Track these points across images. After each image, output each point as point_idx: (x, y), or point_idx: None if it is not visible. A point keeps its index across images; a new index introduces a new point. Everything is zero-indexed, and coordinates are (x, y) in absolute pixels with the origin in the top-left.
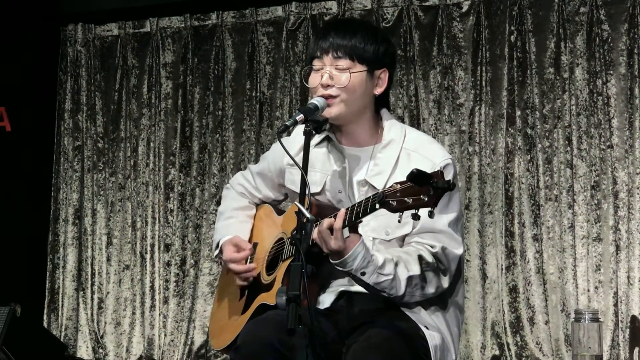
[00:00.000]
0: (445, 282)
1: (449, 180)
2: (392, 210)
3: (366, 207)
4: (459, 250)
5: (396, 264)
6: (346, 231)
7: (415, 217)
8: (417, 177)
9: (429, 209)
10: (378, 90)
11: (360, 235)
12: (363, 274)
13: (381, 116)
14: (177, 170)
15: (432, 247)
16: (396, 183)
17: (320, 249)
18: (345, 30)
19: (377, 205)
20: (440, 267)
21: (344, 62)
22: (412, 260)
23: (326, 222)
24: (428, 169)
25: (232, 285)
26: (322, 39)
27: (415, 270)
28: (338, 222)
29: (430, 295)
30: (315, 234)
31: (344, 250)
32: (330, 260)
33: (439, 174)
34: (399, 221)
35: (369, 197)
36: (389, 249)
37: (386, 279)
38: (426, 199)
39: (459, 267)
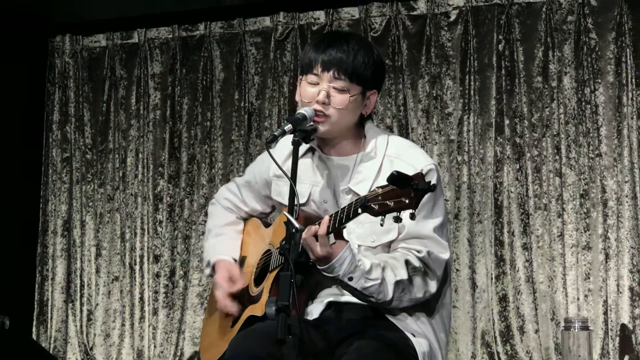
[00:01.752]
0: (433, 286)
1: (430, 182)
2: (374, 214)
3: (349, 213)
4: (445, 255)
5: (383, 269)
6: (332, 237)
7: (398, 220)
8: (397, 179)
9: (411, 210)
10: (366, 111)
11: (347, 241)
12: (350, 279)
13: (364, 125)
14: (165, 182)
15: (418, 252)
16: (378, 187)
17: (306, 259)
18: (347, 47)
19: (360, 210)
20: (427, 272)
21: (343, 83)
22: (399, 265)
23: (311, 229)
24: (410, 174)
25: None
26: (322, 52)
27: (403, 274)
28: (322, 229)
29: (418, 300)
30: (302, 242)
31: (331, 256)
32: (318, 267)
33: (420, 175)
34: (382, 224)
35: (351, 202)
36: (375, 255)
37: (374, 284)
38: (407, 201)
39: (446, 272)
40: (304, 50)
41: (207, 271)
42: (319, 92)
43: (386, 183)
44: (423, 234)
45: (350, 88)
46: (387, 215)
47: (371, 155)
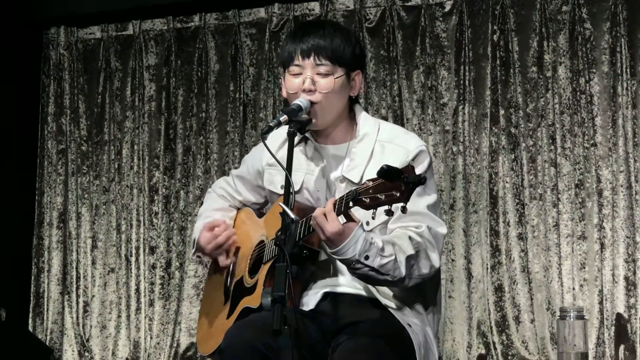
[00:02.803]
0: (436, 261)
1: (420, 174)
2: (366, 207)
3: (340, 206)
4: (443, 230)
5: (393, 245)
6: (342, 219)
7: (389, 213)
8: (387, 173)
9: (402, 204)
10: (353, 92)
11: (359, 220)
12: (367, 257)
13: (354, 112)
14: (161, 173)
15: (417, 227)
16: (368, 180)
17: (300, 250)
18: (324, 32)
19: (351, 203)
20: (429, 247)
21: (326, 67)
22: (404, 242)
23: (319, 210)
24: (402, 157)
25: (216, 290)
26: (300, 42)
27: (410, 250)
28: (328, 206)
29: (425, 276)
30: (312, 222)
31: (344, 235)
32: (329, 252)
33: (410, 168)
34: (373, 217)
35: (343, 195)
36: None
37: (389, 260)
38: (398, 194)
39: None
40: (282, 45)
41: (192, 250)
42: (304, 80)
43: (376, 176)
44: (418, 211)
45: (333, 71)
46: (379, 209)
47: (363, 141)
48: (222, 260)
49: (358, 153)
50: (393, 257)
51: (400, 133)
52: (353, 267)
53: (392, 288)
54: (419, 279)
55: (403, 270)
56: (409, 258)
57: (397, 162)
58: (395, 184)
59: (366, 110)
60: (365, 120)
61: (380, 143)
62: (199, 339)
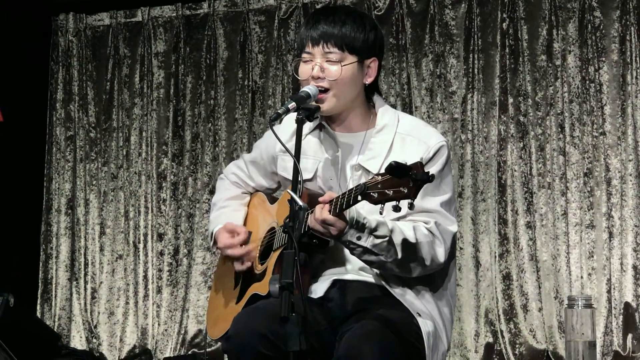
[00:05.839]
0: (441, 254)
1: (428, 172)
2: (374, 201)
3: (349, 199)
4: (453, 227)
5: (392, 230)
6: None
7: (397, 209)
8: (395, 170)
9: (409, 200)
10: (368, 80)
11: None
12: (359, 238)
13: (374, 102)
14: (169, 160)
15: (425, 222)
16: (377, 175)
17: (309, 239)
18: (334, 18)
19: (359, 197)
20: (435, 240)
21: (335, 54)
22: (407, 228)
23: (315, 215)
24: (422, 152)
25: (227, 274)
26: (311, 28)
27: (410, 235)
28: (329, 217)
29: (426, 268)
30: (314, 225)
31: (344, 227)
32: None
33: (418, 165)
34: (381, 213)
35: (352, 189)
36: None
37: (382, 241)
38: (406, 190)
39: (453, 247)
40: (298, 32)
41: (211, 243)
42: (313, 67)
43: (384, 172)
44: (430, 208)
45: (342, 58)
46: (387, 204)
47: (382, 132)
48: (237, 266)
49: (377, 143)
50: (387, 238)
51: (420, 126)
52: (349, 247)
53: (402, 276)
54: (419, 267)
55: (399, 252)
56: (406, 241)
57: (417, 157)
58: (403, 181)
59: (378, 92)
60: (384, 111)
61: (401, 135)
62: (208, 323)
